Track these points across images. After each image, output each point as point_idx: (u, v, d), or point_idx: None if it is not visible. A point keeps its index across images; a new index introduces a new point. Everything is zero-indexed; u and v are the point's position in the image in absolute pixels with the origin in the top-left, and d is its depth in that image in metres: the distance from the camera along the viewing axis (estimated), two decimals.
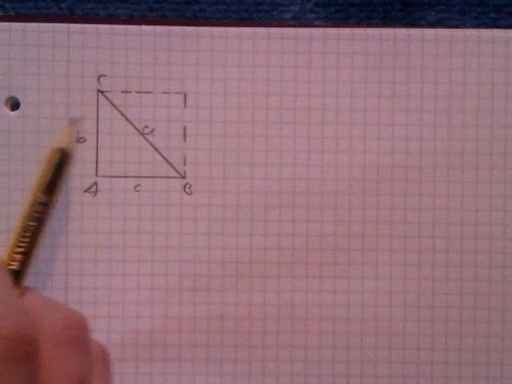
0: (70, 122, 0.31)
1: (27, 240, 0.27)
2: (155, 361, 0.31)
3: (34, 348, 0.20)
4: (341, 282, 0.32)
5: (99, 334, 0.31)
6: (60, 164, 0.29)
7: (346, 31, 0.32)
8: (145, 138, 0.32)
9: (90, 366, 0.23)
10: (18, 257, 0.26)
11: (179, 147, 0.32)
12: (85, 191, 0.31)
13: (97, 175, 0.32)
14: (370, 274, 0.32)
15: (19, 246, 0.27)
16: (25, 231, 0.27)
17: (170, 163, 0.32)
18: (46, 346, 0.21)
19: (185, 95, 0.32)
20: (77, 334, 0.22)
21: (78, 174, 0.31)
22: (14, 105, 0.32)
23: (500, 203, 0.32)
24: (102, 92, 0.32)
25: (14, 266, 0.26)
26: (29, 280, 0.31)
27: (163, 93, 0.32)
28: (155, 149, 0.32)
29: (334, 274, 0.32)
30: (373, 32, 0.32)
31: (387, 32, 0.32)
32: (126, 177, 0.32)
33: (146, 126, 0.32)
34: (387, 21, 0.33)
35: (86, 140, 0.32)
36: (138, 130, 0.32)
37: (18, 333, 0.20)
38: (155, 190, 0.32)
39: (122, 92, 0.32)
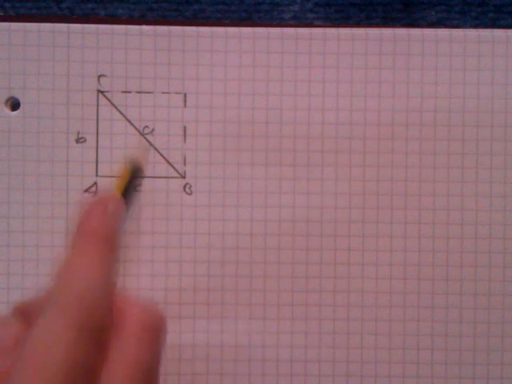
0: (141, 145, 0.31)
1: None
2: None
3: (105, 336, 0.21)
4: (341, 281, 0.32)
5: None
6: (134, 179, 0.29)
7: (345, 31, 0.32)
8: (145, 137, 0.32)
9: (160, 362, 0.23)
10: None
11: (179, 147, 0.32)
12: (85, 191, 0.31)
13: (97, 175, 0.32)
14: (370, 274, 0.32)
15: None
16: None
17: (170, 163, 0.32)
18: (128, 332, 0.22)
19: (185, 95, 0.32)
20: (158, 328, 0.23)
21: (78, 174, 0.31)
22: (14, 105, 0.32)
23: (500, 203, 0.32)
24: (102, 92, 0.32)
25: None
26: (29, 280, 0.32)
27: (163, 93, 0.32)
28: (155, 149, 0.32)
29: (334, 274, 0.32)
30: (373, 32, 0.32)
31: (387, 32, 0.32)
32: None
33: (146, 126, 0.32)
34: (387, 21, 0.33)
35: (85, 140, 0.32)
36: (138, 130, 0.32)
37: (96, 323, 0.21)
38: (155, 190, 0.32)
39: (122, 92, 0.32)
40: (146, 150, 0.31)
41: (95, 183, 0.32)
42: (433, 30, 0.32)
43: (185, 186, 0.32)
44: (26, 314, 0.22)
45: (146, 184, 0.32)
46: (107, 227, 0.23)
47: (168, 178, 0.32)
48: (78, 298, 0.21)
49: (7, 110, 0.32)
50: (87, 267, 0.22)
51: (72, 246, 0.23)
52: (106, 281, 0.22)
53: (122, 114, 0.32)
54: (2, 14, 0.33)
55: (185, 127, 0.32)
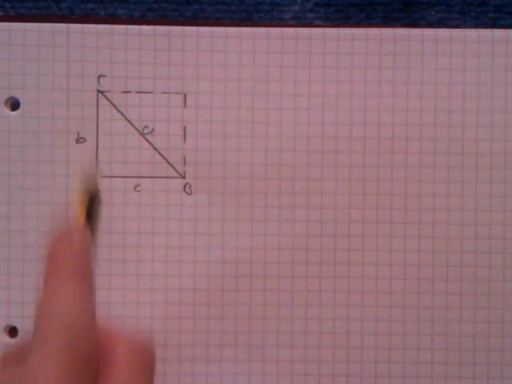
0: (90, 164, 0.31)
1: None
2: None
3: (96, 368, 0.21)
4: (341, 281, 0.32)
5: None
6: (93, 207, 0.29)
7: (345, 31, 0.32)
8: (145, 138, 0.32)
9: None
10: None
11: (179, 147, 0.32)
12: None
13: None
14: (370, 274, 0.32)
15: None
16: None
17: (169, 163, 0.32)
18: (116, 369, 0.22)
19: (185, 95, 0.32)
20: (145, 360, 0.23)
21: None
22: (14, 105, 0.32)
23: (500, 203, 0.32)
24: (102, 92, 0.32)
25: None
26: (29, 280, 0.32)
27: (163, 93, 0.32)
28: (155, 149, 0.32)
29: (334, 274, 0.32)
30: (373, 32, 0.32)
31: (387, 32, 0.32)
32: (125, 177, 0.32)
33: (146, 126, 0.32)
34: (387, 21, 0.33)
35: (85, 140, 0.32)
36: (138, 130, 0.32)
37: (85, 355, 0.21)
38: (155, 190, 0.32)
39: (122, 92, 0.32)
40: (96, 169, 0.31)
41: None
42: (433, 30, 0.32)
43: (185, 186, 0.32)
44: (19, 358, 0.22)
45: (146, 184, 0.32)
46: (78, 261, 0.23)
47: (168, 178, 0.32)
48: (64, 333, 0.20)
49: (7, 110, 0.32)
50: (67, 302, 0.21)
51: (46, 283, 0.23)
52: (88, 312, 0.22)
53: (121, 114, 0.32)
54: (2, 14, 0.33)
55: (185, 127, 0.32)
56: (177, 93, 0.32)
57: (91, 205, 0.28)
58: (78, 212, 0.28)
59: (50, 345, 0.20)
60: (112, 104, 0.32)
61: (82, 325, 0.21)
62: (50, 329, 0.21)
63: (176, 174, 0.32)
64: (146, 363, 0.22)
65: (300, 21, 0.33)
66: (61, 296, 0.22)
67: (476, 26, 0.33)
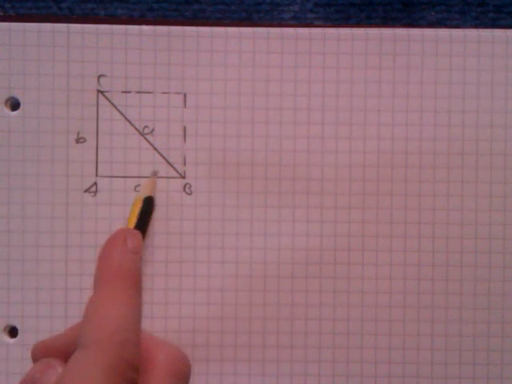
0: (152, 175, 0.31)
1: None
2: None
3: (137, 375, 0.22)
4: (341, 282, 0.32)
5: None
6: (146, 211, 0.30)
7: (345, 31, 0.32)
8: (145, 138, 0.32)
9: None
10: None
11: (179, 147, 0.32)
12: (85, 191, 0.31)
13: (97, 175, 0.32)
14: (370, 274, 0.32)
15: None
16: None
17: (169, 163, 0.32)
18: (156, 375, 0.22)
19: (185, 95, 0.32)
20: (183, 369, 0.23)
21: (78, 174, 0.31)
22: (14, 105, 0.32)
23: (500, 203, 0.32)
24: (102, 92, 0.32)
25: None
26: (28, 280, 0.32)
27: (163, 93, 0.32)
28: (155, 149, 0.32)
29: (334, 275, 0.32)
30: (373, 32, 0.32)
31: (387, 32, 0.32)
32: (126, 177, 0.32)
33: (146, 126, 0.32)
34: (387, 21, 0.33)
35: (85, 140, 0.32)
36: (138, 130, 0.32)
37: (128, 361, 0.21)
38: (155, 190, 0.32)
39: (122, 92, 0.32)
40: (155, 182, 0.31)
41: (95, 183, 0.32)
42: (433, 29, 0.32)
43: (185, 186, 0.32)
44: (59, 351, 0.23)
45: None
46: (129, 264, 0.24)
47: (168, 178, 0.32)
48: (111, 338, 0.21)
49: (7, 110, 0.32)
50: (116, 306, 0.22)
51: (98, 285, 0.23)
52: (134, 319, 0.22)
53: (121, 114, 0.32)
54: (2, 14, 0.33)
55: (185, 127, 0.32)
56: (177, 93, 0.32)
57: (145, 209, 0.29)
58: (131, 216, 0.29)
59: (95, 350, 0.21)
60: (112, 104, 0.32)
61: (129, 330, 0.22)
62: (97, 332, 0.21)
63: (176, 174, 0.32)
64: (183, 372, 0.23)
65: (300, 21, 0.33)
66: (110, 300, 0.22)
67: (476, 26, 0.33)
